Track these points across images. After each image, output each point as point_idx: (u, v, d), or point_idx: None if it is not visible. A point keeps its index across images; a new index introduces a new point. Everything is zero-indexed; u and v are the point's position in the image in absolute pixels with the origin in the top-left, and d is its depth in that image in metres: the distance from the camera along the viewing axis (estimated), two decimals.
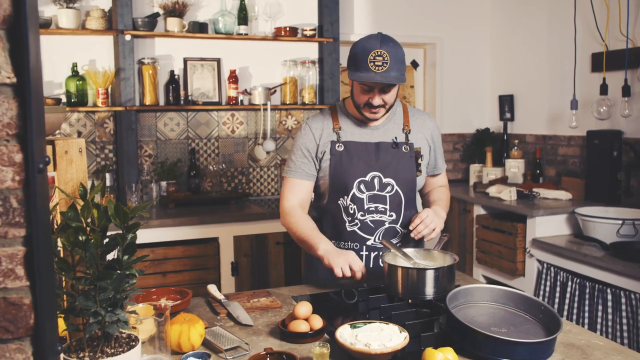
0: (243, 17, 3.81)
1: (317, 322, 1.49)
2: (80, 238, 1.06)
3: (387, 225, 2.00)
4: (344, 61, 4.27)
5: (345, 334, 1.40)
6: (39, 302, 0.85)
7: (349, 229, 2.00)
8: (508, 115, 4.46)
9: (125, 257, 1.10)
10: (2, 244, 0.83)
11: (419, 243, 2.06)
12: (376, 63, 1.81)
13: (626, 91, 3.25)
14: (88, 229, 1.09)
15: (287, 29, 3.89)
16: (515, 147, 4.30)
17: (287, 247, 3.52)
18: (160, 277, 3.21)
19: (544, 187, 3.81)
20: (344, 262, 1.79)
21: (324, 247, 1.86)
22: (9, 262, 0.83)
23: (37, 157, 0.85)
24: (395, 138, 2.03)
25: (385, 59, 1.81)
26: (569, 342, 1.46)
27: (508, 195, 3.70)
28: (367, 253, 2.01)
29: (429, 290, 1.66)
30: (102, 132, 3.68)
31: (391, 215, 2.00)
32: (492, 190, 3.87)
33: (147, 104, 3.66)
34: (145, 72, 3.65)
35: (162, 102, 3.76)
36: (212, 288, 1.80)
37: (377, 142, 2.01)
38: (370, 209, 1.98)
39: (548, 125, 4.12)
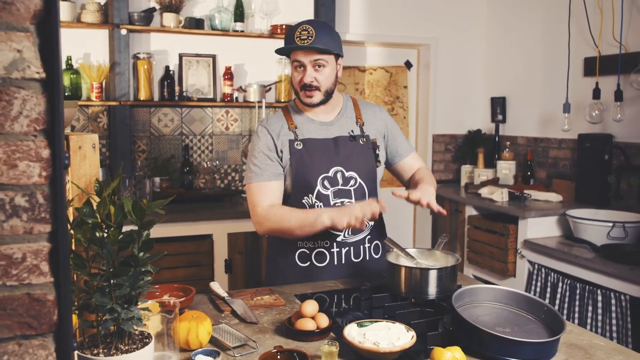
0: (239, 14, 3.81)
1: (324, 321, 1.50)
2: (97, 234, 1.05)
3: None
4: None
5: (353, 332, 1.41)
6: (63, 298, 0.85)
7: None
8: (500, 117, 4.51)
9: (141, 254, 1.10)
10: (28, 239, 0.83)
11: (379, 236, 2.08)
12: (301, 37, 1.88)
13: (618, 96, 3.30)
14: (103, 225, 1.09)
15: (283, 26, 3.89)
16: (507, 149, 4.34)
17: None
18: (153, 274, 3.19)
19: (534, 189, 3.85)
20: (351, 214, 1.75)
21: (325, 214, 1.81)
22: (34, 258, 0.83)
23: (62, 152, 0.85)
24: (352, 131, 2.03)
25: (310, 32, 1.87)
26: (571, 342, 1.49)
27: (500, 196, 3.74)
28: (337, 250, 1.99)
29: (432, 290, 1.67)
30: (96, 126, 3.65)
31: None
32: (484, 191, 3.91)
33: (141, 99, 3.64)
34: (140, 67, 3.62)
35: (156, 97, 3.75)
36: (214, 285, 1.80)
37: (335, 137, 2.01)
38: (337, 204, 1.96)
39: (539, 127, 4.16)
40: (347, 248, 2.00)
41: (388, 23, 4.39)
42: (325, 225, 1.81)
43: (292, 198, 1.99)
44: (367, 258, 2.04)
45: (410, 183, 2.17)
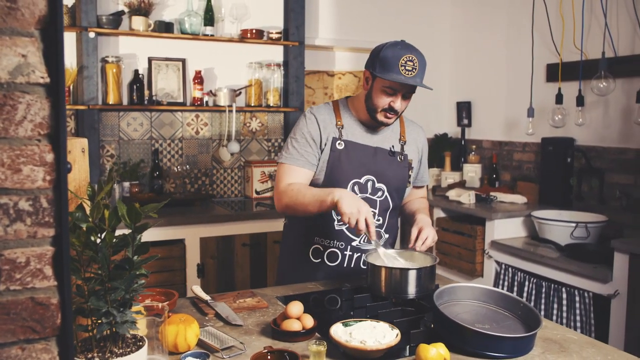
0: (209, 18, 3.80)
1: (309, 321, 1.52)
2: (92, 238, 1.06)
3: None
4: (308, 65, 4.32)
5: (339, 331, 1.44)
6: (66, 302, 0.86)
7: (337, 227, 2.02)
8: (465, 121, 4.62)
9: (135, 257, 1.10)
10: (31, 243, 0.83)
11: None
12: (407, 67, 1.85)
13: (580, 101, 3.43)
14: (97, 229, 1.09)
15: (253, 31, 3.90)
16: (473, 152, 4.45)
17: (253, 248, 3.53)
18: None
19: (500, 191, 3.96)
20: (355, 213, 1.73)
21: (339, 192, 1.80)
22: (38, 262, 0.84)
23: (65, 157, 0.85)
24: (392, 147, 2.07)
25: (415, 64, 1.86)
26: (546, 336, 1.55)
27: (467, 198, 3.83)
28: (350, 253, 2.04)
29: (412, 289, 1.71)
30: None
31: (378, 220, 2.04)
32: (452, 194, 3.99)
33: (110, 103, 3.60)
34: (108, 70, 3.58)
35: (125, 101, 3.70)
36: (196, 289, 1.81)
37: (375, 147, 2.04)
38: None
39: (504, 131, 4.29)
40: (359, 254, 2.05)
41: (356, 28, 4.45)
42: (333, 202, 1.77)
43: None
44: None
45: (405, 207, 2.24)
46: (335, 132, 2.01)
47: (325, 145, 2.00)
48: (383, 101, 1.92)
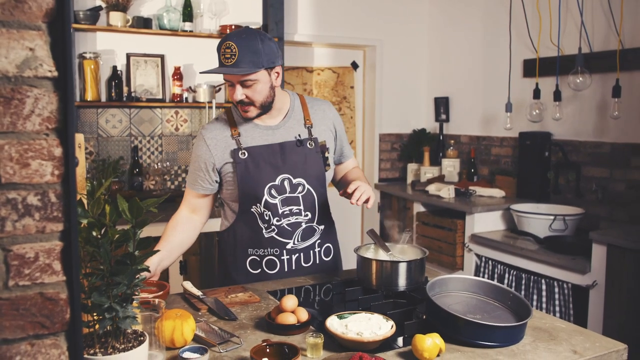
0: (188, 13, 3.78)
1: (304, 315, 1.54)
2: (93, 234, 1.05)
3: (304, 225, 1.97)
4: (287, 61, 4.33)
5: (335, 324, 1.46)
6: (75, 297, 0.85)
7: (266, 235, 1.95)
8: (443, 116, 4.67)
9: (136, 252, 1.10)
10: (40, 238, 0.82)
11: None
12: (226, 56, 1.78)
13: (557, 96, 3.50)
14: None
15: (232, 27, 3.88)
16: (451, 147, 4.51)
17: None
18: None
19: (478, 185, 4.02)
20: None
21: (154, 261, 1.95)
22: (46, 257, 0.83)
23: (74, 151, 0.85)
24: (299, 135, 1.98)
25: (234, 51, 1.77)
26: (535, 325, 1.59)
27: (447, 193, 3.88)
28: (288, 257, 1.98)
29: (402, 281, 1.74)
30: None
31: (307, 215, 1.97)
32: (432, 188, 4.04)
33: (88, 99, 3.55)
34: (86, 67, 3.53)
35: (104, 98, 3.66)
36: (187, 284, 1.81)
37: (281, 143, 1.95)
38: (285, 212, 1.94)
39: (482, 126, 4.35)
40: (297, 254, 1.99)
41: (335, 25, 4.46)
42: None
43: (242, 207, 1.96)
44: (318, 262, 2.04)
45: (342, 181, 2.18)
46: (232, 144, 1.94)
47: (225, 163, 1.94)
48: (230, 94, 1.87)
